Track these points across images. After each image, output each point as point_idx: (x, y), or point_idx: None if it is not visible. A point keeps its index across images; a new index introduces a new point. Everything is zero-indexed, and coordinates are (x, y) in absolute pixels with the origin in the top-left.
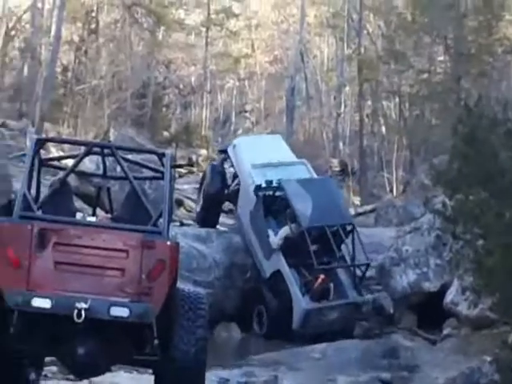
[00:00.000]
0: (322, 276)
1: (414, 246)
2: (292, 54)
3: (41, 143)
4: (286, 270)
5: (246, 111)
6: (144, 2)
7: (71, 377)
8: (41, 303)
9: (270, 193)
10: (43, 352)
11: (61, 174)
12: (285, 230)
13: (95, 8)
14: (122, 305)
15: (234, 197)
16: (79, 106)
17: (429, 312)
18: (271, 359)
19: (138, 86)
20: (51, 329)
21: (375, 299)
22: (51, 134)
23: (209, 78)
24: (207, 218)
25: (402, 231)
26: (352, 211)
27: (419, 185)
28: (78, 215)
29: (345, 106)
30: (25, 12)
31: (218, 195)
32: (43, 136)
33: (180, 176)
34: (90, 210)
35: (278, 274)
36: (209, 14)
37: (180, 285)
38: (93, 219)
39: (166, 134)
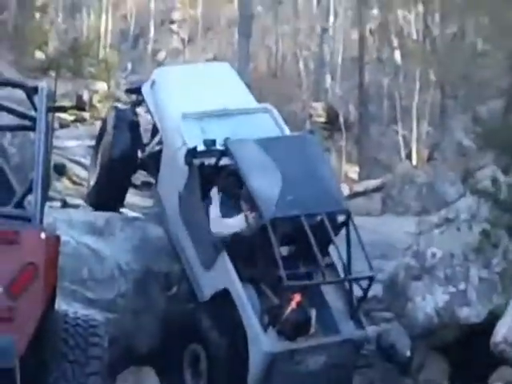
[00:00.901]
0: (296, 297)
1: (446, 249)
2: None
3: None
4: (238, 289)
5: (172, 22)
6: None
7: None
8: None
9: (212, 161)
10: None
11: None
12: (237, 224)
13: None
14: None
15: (151, 164)
16: None
17: (468, 356)
18: None
19: None
20: None
21: (382, 335)
22: None
23: None
24: (106, 196)
25: (425, 224)
26: (345, 190)
27: (455, 148)
28: None
29: (335, 16)
30: None
31: (126, 161)
32: None
33: (62, 126)
34: None
35: (223, 294)
36: None
37: (61, 306)
38: None
39: (39, 55)
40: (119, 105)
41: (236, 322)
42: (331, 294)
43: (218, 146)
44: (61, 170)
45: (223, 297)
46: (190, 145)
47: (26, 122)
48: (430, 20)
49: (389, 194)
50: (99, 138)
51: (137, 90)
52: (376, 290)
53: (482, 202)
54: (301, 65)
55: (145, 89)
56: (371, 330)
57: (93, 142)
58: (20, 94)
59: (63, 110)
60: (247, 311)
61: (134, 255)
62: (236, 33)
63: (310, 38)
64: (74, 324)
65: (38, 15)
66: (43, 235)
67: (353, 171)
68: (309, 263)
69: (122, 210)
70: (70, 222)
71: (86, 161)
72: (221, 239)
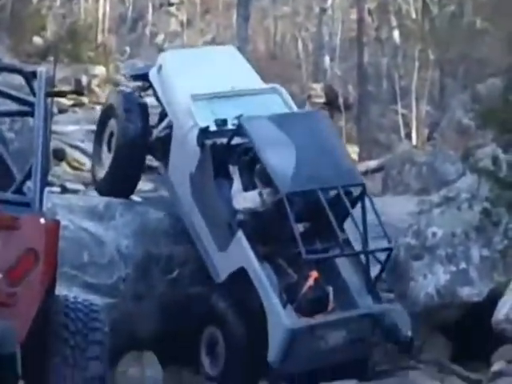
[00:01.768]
0: (314, 273)
1: (446, 228)
2: None
3: None
4: (255, 266)
5: (170, 4)
6: None
7: None
8: None
9: (224, 140)
10: None
11: None
12: (251, 199)
13: None
14: None
15: (159, 148)
16: None
17: (469, 335)
18: None
19: None
20: None
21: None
22: None
23: None
24: (122, 182)
25: (426, 203)
26: None
27: (455, 127)
28: None
29: None
30: None
31: (141, 144)
32: None
33: (61, 111)
34: None
35: (240, 273)
36: None
37: (62, 291)
38: None
39: (37, 40)
40: (123, 88)
41: (253, 302)
42: (348, 269)
43: (231, 125)
44: (60, 155)
45: (240, 277)
46: (202, 125)
47: (25, 108)
48: None
49: (389, 174)
50: (102, 123)
51: (143, 76)
52: (376, 270)
53: (483, 180)
54: (299, 46)
55: (152, 74)
56: (387, 306)
57: (92, 127)
58: (19, 79)
59: (62, 94)
60: (266, 289)
61: (134, 239)
62: (234, 15)
63: (309, 19)
64: (74, 309)
65: (35, 0)
66: (43, 220)
67: (353, 151)
68: (325, 239)
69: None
70: (69, 207)
71: (86, 146)
72: (236, 218)
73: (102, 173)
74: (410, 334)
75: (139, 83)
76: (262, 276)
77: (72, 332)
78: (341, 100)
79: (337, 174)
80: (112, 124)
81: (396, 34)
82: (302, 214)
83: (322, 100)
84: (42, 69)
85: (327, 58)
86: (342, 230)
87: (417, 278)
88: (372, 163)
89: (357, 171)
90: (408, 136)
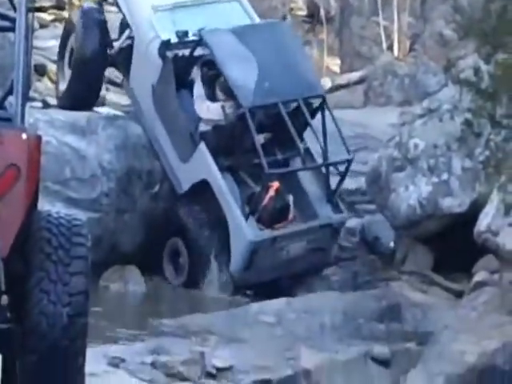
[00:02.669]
0: (275, 184)
1: (428, 139)
2: None
3: None
4: (217, 178)
5: None
6: None
7: None
8: None
9: (186, 52)
10: None
11: None
12: (214, 111)
13: None
14: None
15: (122, 60)
16: None
17: (451, 246)
18: (195, 325)
19: None
20: None
21: (365, 227)
22: None
23: None
24: (80, 96)
25: (408, 115)
26: (327, 83)
27: (436, 38)
28: None
29: None
30: None
31: (98, 59)
32: None
33: (42, 26)
34: None
35: (202, 185)
36: None
37: (45, 206)
38: None
39: None
40: (85, 4)
41: (216, 213)
42: (308, 180)
43: (192, 36)
44: (41, 71)
45: (202, 188)
46: (163, 37)
47: (6, 23)
48: None
49: (371, 86)
50: (64, 39)
51: None
52: (359, 182)
53: (464, 91)
54: None
55: None
56: (355, 223)
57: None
58: None
59: (43, 9)
60: (228, 201)
61: (116, 154)
62: None
63: None
64: (56, 224)
65: None
66: (25, 136)
67: (334, 64)
68: (285, 150)
69: (103, 108)
70: (51, 122)
71: None
72: (198, 129)
73: (63, 87)
74: (392, 245)
75: None
76: (223, 188)
77: (55, 247)
78: (322, 13)
79: (298, 87)
80: (72, 40)
81: None
82: (263, 125)
83: (304, 13)
84: None
85: None
86: (303, 140)
87: (398, 190)
88: (354, 75)
89: (318, 83)
90: (390, 48)
